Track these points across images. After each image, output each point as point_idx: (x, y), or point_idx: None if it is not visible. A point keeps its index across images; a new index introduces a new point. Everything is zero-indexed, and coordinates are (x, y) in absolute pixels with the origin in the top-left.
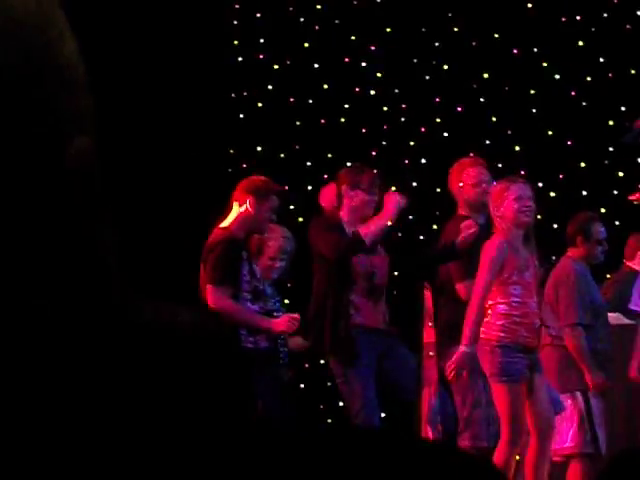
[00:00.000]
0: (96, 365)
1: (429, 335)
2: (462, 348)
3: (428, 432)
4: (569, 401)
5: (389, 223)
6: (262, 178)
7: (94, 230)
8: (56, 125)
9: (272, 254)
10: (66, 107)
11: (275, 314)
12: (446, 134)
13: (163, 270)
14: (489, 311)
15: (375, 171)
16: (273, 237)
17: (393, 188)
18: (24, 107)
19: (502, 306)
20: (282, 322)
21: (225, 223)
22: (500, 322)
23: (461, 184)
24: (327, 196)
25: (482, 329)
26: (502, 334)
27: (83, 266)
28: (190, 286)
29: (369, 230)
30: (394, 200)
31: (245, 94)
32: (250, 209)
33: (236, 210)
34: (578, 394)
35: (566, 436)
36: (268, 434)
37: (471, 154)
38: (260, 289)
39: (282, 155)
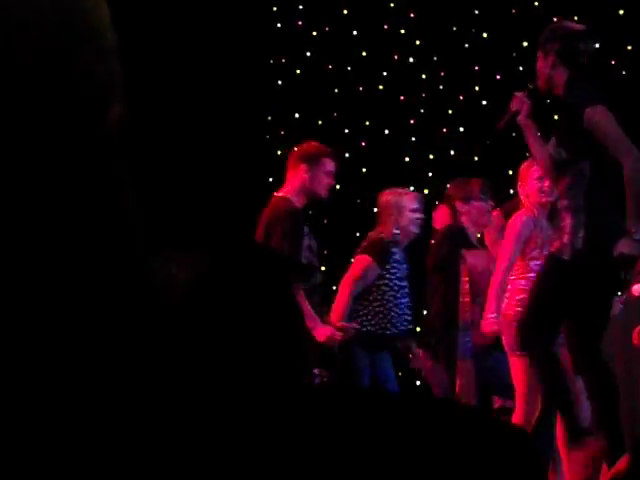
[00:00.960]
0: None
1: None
2: (488, 318)
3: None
4: None
5: None
6: (313, 144)
7: (124, 193)
8: (96, 91)
9: (413, 206)
10: (103, 73)
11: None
12: (485, 102)
13: (206, 233)
14: (509, 286)
15: (480, 179)
16: (406, 192)
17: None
18: (66, 71)
19: (522, 281)
20: (325, 333)
21: (284, 192)
22: (519, 297)
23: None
24: (441, 218)
25: (503, 303)
26: (519, 309)
27: (108, 225)
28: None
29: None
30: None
31: (283, 60)
32: (305, 176)
33: (292, 178)
34: None
35: None
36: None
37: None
38: (315, 265)
39: (320, 122)
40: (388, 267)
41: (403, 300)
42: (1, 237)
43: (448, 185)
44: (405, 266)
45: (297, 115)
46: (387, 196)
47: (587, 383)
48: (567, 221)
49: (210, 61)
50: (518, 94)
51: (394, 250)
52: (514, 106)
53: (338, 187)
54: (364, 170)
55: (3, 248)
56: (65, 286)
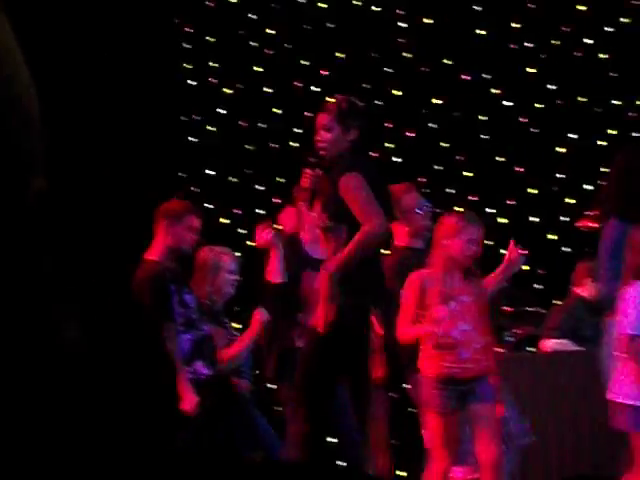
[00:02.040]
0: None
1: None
2: None
3: None
4: None
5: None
6: (175, 201)
7: (42, 260)
8: (16, 163)
9: (230, 267)
10: (24, 146)
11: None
12: (398, 159)
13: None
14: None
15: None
16: (224, 252)
17: None
18: None
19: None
20: (190, 403)
21: (150, 254)
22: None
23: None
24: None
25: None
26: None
27: (26, 286)
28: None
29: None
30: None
31: (195, 117)
32: (165, 233)
33: (157, 238)
34: None
35: None
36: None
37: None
38: (193, 318)
39: (233, 179)
40: None
41: None
42: None
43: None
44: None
45: (209, 172)
46: (205, 254)
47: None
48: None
49: (122, 117)
50: (309, 171)
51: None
52: (306, 183)
53: (249, 244)
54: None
55: None
56: None
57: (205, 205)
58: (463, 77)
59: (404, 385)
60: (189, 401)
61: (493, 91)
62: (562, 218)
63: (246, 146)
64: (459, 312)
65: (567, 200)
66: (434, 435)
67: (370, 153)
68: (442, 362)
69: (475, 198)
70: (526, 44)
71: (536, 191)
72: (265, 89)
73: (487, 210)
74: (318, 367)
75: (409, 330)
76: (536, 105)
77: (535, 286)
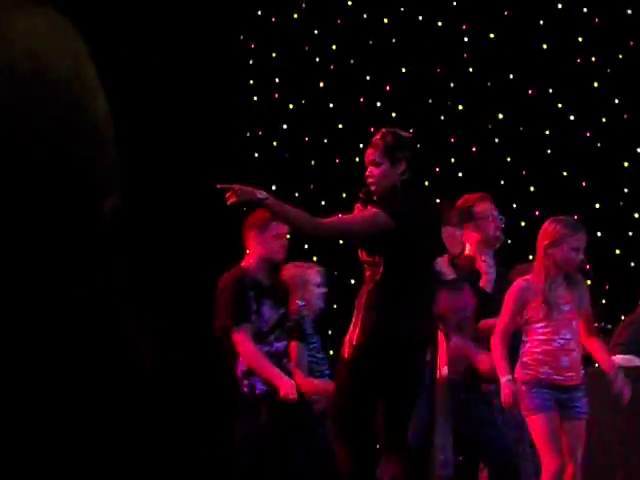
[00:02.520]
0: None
1: None
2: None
3: None
4: None
5: None
6: (260, 211)
7: (119, 288)
8: (91, 185)
9: (316, 281)
10: (99, 166)
11: (317, 355)
12: (461, 174)
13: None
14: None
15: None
16: (309, 266)
17: None
18: (61, 167)
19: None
20: (290, 388)
21: (244, 262)
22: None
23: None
24: None
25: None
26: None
27: (100, 325)
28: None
29: None
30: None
31: (260, 133)
32: (255, 243)
33: (251, 249)
34: None
35: None
36: None
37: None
38: (263, 331)
39: (296, 194)
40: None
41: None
42: None
43: None
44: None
45: (274, 187)
46: (290, 270)
47: (397, 463)
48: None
49: (188, 134)
50: (358, 206)
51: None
52: None
53: (315, 259)
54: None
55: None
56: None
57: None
58: (529, 92)
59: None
60: (285, 386)
61: (559, 105)
62: (629, 233)
63: (310, 161)
64: (561, 321)
65: (634, 215)
66: (542, 436)
67: (435, 168)
68: (542, 369)
69: (539, 213)
70: (592, 58)
71: (601, 205)
72: (329, 104)
73: None
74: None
75: (499, 342)
76: (602, 119)
77: (602, 301)
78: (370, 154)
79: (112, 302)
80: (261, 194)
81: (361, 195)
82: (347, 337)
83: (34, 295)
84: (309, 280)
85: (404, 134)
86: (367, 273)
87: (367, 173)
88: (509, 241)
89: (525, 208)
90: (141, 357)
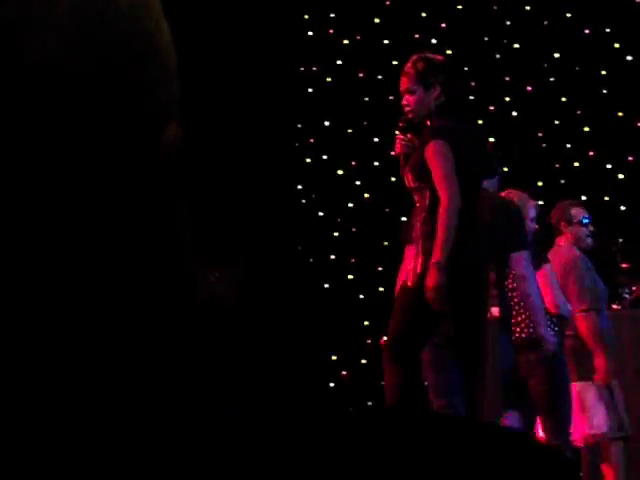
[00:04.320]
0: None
1: None
2: None
3: None
4: (592, 389)
5: None
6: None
7: (174, 211)
8: (153, 111)
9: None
10: (161, 93)
11: None
12: (515, 113)
13: (236, 241)
14: None
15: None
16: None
17: None
18: (125, 92)
19: None
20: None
21: None
22: None
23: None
24: None
25: None
26: None
27: (160, 242)
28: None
29: None
30: None
31: (314, 69)
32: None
33: None
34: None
35: (595, 422)
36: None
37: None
38: None
39: (349, 130)
40: None
41: None
42: (55, 250)
43: None
44: None
45: (327, 123)
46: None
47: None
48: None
49: (240, 69)
50: (400, 136)
51: None
52: (398, 149)
53: (367, 196)
54: (393, 179)
55: (57, 261)
56: (118, 300)
57: (322, 157)
58: (585, 31)
59: None
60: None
61: (615, 45)
62: None
63: (364, 98)
64: None
65: None
66: None
67: (490, 108)
68: None
69: (593, 153)
70: None
71: None
72: (384, 41)
73: (606, 166)
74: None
75: None
76: None
77: None
78: (404, 83)
79: (173, 233)
80: (431, 266)
81: (400, 124)
82: (410, 267)
83: (92, 221)
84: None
85: (436, 58)
86: (416, 201)
87: (403, 102)
88: (562, 181)
89: (579, 148)
90: (218, 300)
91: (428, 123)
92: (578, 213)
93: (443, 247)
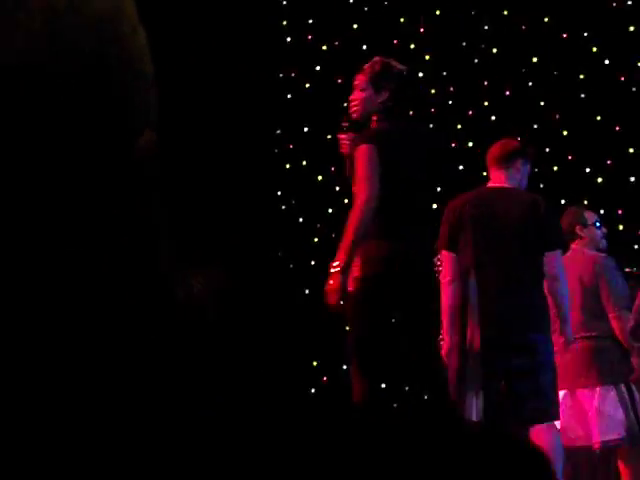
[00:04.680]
0: (134, 337)
1: None
2: None
3: None
4: (612, 392)
5: None
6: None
7: (150, 216)
8: (127, 118)
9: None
10: (136, 101)
11: None
12: (493, 117)
13: (216, 247)
14: None
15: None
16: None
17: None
18: (97, 100)
19: None
20: None
21: None
22: None
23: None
24: None
25: None
26: None
27: (137, 249)
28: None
29: None
30: None
31: (292, 74)
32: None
33: None
34: (622, 385)
35: (612, 426)
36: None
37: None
38: None
39: (329, 136)
40: None
41: None
42: (32, 249)
43: None
44: None
45: (306, 129)
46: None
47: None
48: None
49: (219, 74)
50: (342, 136)
51: None
52: (343, 149)
53: (347, 201)
54: None
55: (35, 259)
56: (93, 298)
57: (302, 162)
58: (563, 35)
59: None
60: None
61: (593, 49)
62: None
63: (342, 104)
64: None
65: None
66: None
67: (468, 112)
68: None
69: (571, 157)
70: (628, 1)
71: (635, 150)
72: (362, 46)
73: (585, 170)
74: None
75: None
76: (638, 63)
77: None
78: (358, 79)
79: (150, 238)
80: (332, 268)
81: (344, 124)
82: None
83: (65, 228)
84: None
85: (395, 65)
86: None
87: (351, 97)
88: (541, 185)
89: (558, 153)
90: (196, 307)
91: (373, 125)
92: (591, 216)
93: (345, 250)
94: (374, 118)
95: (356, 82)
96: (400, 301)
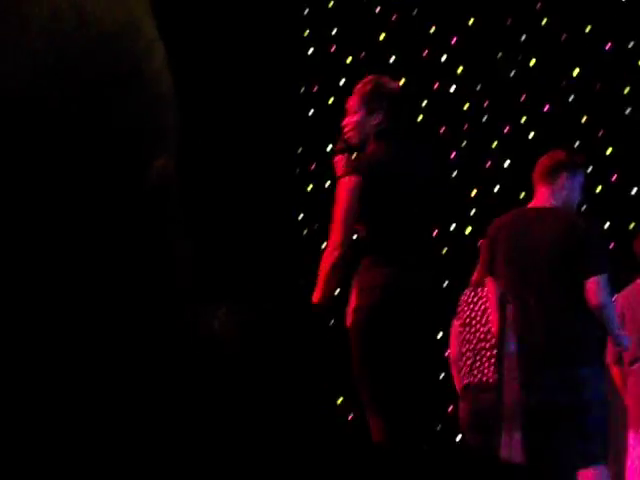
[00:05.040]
0: (152, 374)
1: None
2: None
3: None
4: None
5: None
6: None
7: (170, 248)
8: (138, 145)
9: None
10: (150, 125)
11: None
12: (532, 135)
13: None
14: None
15: None
16: None
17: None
18: (107, 125)
19: None
20: None
21: None
22: None
23: None
24: None
25: None
26: None
27: (157, 281)
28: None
29: None
30: None
31: (315, 89)
32: None
33: None
34: None
35: None
36: None
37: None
38: None
39: (353, 156)
40: None
41: None
42: (39, 289)
43: None
44: None
45: (329, 148)
46: None
47: None
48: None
49: (236, 89)
50: (337, 158)
51: None
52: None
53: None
54: None
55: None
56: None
57: (324, 184)
58: (606, 46)
59: None
60: None
61: (639, 62)
62: None
63: None
64: None
65: None
66: None
67: (504, 129)
68: None
69: (616, 177)
70: None
71: None
72: (390, 58)
73: (631, 190)
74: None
75: None
76: None
77: None
78: (350, 101)
79: (168, 271)
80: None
81: (338, 147)
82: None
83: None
84: None
85: (387, 84)
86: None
87: (344, 121)
88: (584, 206)
89: (602, 172)
90: (219, 340)
91: (368, 150)
92: None
93: (319, 293)
94: (370, 141)
95: (348, 105)
96: (399, 331)
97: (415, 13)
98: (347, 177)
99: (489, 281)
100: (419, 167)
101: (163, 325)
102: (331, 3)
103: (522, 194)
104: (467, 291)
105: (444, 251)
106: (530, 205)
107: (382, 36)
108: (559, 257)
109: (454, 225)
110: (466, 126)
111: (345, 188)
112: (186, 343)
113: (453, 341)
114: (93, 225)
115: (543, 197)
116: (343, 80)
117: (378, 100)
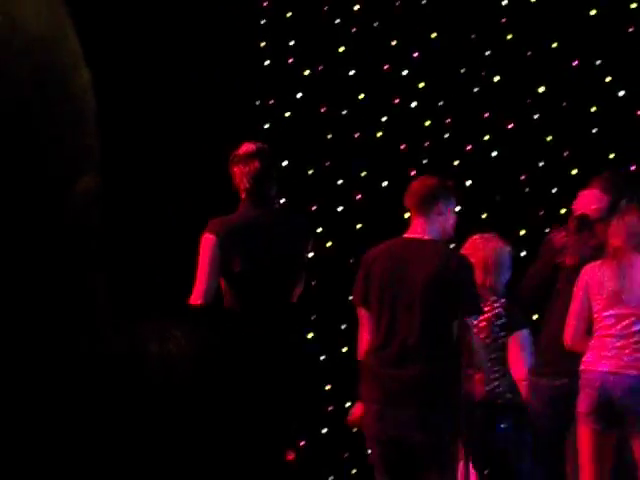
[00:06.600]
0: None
1: None
2: None
3: None
4: None
5: None
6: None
7: (88, 271)
8: (60, 164)
9: None
10: (73, 144)
11: None
12: (495, 153)
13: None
14: None
15: None
16: None
17: None
18: (28, 143)
19: None
20: None
21: None
22: None
23: None
24: None
25: None
26: None
27: (71, 303)
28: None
29: None
30: None
31: (271, 102)
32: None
33: None
34: None
35: None
36: None
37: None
38: None
39: (310, 172)
40: None
41: None
42: None
43: None
44: None
45: (285, 163)
46: None
47: None
48: None
49: (191, 102)
50: None
51: None
52: None
53: (330, 244)
54: (359, 226)
55: None
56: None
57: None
58: (573, 63)
59: None
60: None
61: (606, 79)
62: None
63: (326, 135)
64: None
65: None
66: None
67: (466, 147)
68: None
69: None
70: None
71: None
72: (349, 71)
73: None
74: None
75: None
76: None
77: None
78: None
79: (87, 300)
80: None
81: None
82: None
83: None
84: None
85: (254, 145)
86: None
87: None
88: (547, 229)
89: (567, 192)
90: (171, 362)
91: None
92: None
93: None
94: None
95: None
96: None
97: (376, 25)
98: (204, 234)
99: (360, 311)
100: (276, 226)
101: (75, 345)
102: (289, 14)
103: (484, 215)
104: None
105: None
106: (406, 235)
107: (341, 49)
108: (429, 295)
109: None
110: (427, 143)
111: (202, 245)
112: (100, 363)
113: None
114: (11, 241)
115: (419, 227)
116: (300, 94)
117: (243, 161)
